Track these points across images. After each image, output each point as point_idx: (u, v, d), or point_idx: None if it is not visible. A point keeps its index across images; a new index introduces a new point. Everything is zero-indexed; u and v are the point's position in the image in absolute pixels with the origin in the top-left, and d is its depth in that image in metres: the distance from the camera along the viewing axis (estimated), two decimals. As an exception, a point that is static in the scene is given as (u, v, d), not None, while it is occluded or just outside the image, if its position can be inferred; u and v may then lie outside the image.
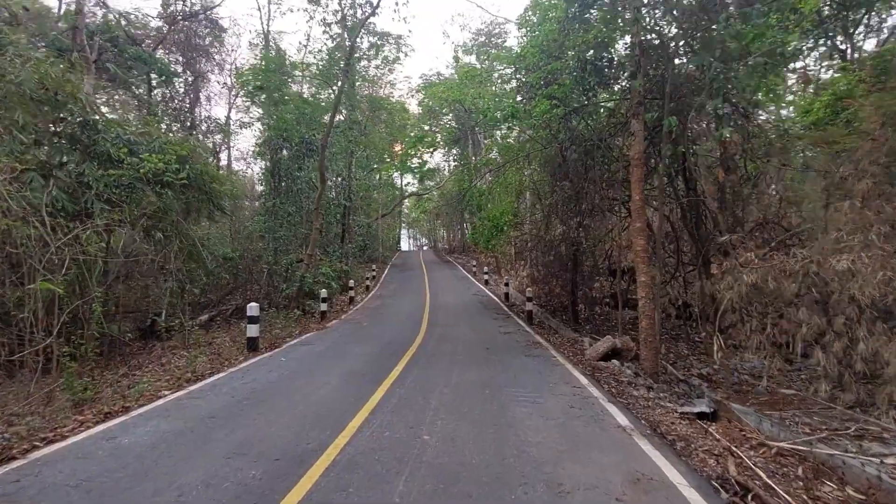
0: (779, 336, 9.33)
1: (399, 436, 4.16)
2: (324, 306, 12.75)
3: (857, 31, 13.83)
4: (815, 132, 10.73)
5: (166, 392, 5.78)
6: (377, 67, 25.93)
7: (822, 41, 13.88)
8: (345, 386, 5.80)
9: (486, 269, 22.39)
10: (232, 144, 29.68)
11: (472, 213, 27.01)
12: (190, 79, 20.05)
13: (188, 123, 19.82)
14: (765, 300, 10.20)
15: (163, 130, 20.17)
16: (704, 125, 10.48)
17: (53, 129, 8.55)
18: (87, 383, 5.91)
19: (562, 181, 12.73)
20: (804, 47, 13.26)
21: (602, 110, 12.51)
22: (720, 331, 12.12)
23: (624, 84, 9.89)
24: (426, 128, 36.12)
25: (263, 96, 14.33)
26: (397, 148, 40.04)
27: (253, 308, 8.23)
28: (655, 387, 7.56)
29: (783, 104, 15.67)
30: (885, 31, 14.23)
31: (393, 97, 29.10)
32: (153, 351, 10.01)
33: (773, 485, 3.61)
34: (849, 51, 13.71)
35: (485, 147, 20.82)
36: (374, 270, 25.47)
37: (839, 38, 13.89)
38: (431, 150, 10.06)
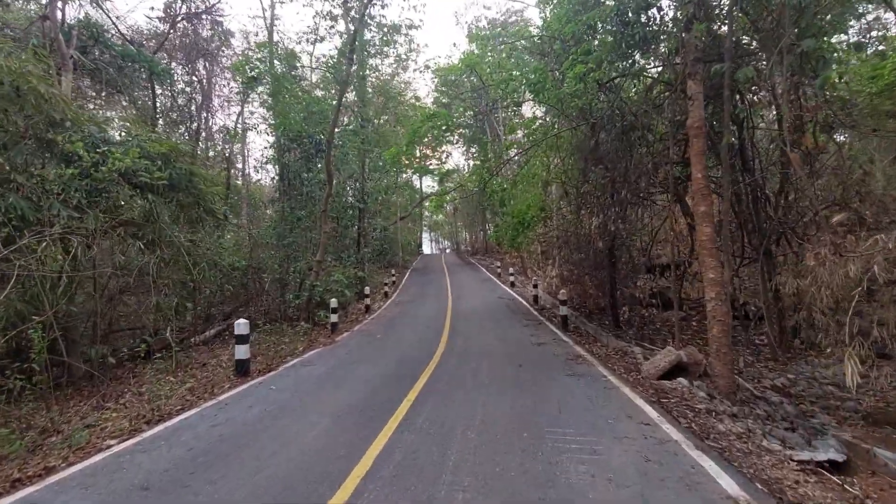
0: (888, 338, 7.56)
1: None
2: (334, 317, 11.51)
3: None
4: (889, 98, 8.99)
5: (112, 441, 4.55)
6: (390, 65, 24.87)
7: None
8: (338, 429, 4.45)
9: (511, 269, 20.86)
10: (247, 153, 29.09)
11: (495, 212, 25.46)
12: (196, 84, 19.27)
13: (196, 130, 19.02)
14: (855, 294, 8.44)
15: (173, 140, 19.48)
16: (767, 91, 8.76)
17: (16, 128, 7.54)
18: (13, 430, 4.73)
19: (595, 166, 11.17)
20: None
21: (641, 82, 10.94)
22: (782, 330, 10.33)
23: (670, 46, 8.31)
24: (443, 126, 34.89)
25: (261, 89, 13.24)
26: (418, 153, 38.89)
27: (241, 326, 7.00)
28: (736, 410, 5.98)
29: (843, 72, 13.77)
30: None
31: (407, 96, 27.96)
32: (141, 376, 8.94)
33: None
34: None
35: (504, 139, 19.34)
36: (393, 276, 24.26)
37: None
38: (445, 129, 8.74)
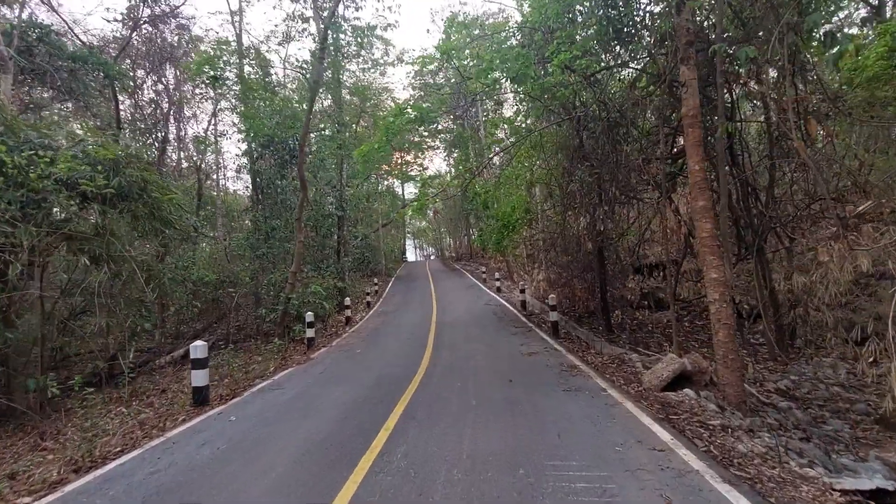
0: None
1: None
2: (310, 332, 10.75)
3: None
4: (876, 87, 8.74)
5: (26, 499, 3.78)
6: (366, 70, 24.20)
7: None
8: (298, 473, 3.75)
9: (496, 274, 20.33)
10: (223, 162, 28.06)
11: (478, 217, 24.95)
12: (163, 91, 18.35)
13: (163, 139, 18.08)
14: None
15: (132, 147, 18.49)
16: (755, 79, 8.37)
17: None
18: None
19: (581, 164, 10.69)
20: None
21: (626, 78, 10.56)
22: (779, 329, 9.95)
23: (658, 33, 7.88)
24: (423, 133, 34.37)
25: (231, 93, 12.47)
26: (396, 156, 38.18)
27: (198, 349, 6.23)
28: (749, 422, 5.45)
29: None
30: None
31: (383, 98, 27.34)
32: (92, 407, 8.05)
33: None
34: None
35: (485, 138, 18.80)
36: (376, 285, 23.52)
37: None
38: (420, 124, 8.07)
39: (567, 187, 11.59)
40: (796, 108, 7.95)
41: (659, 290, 15.15)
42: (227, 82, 11.93)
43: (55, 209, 7.47)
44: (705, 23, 8.32)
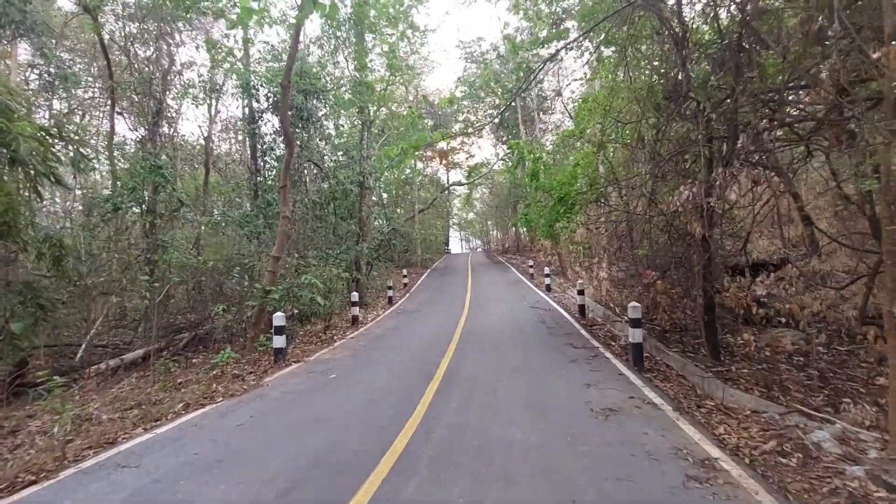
0: None
1: None
2: (279, 341, 7.64)
3: None
4: None
5: None
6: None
7: None
8: None
9: (546, 269, 16.54)
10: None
11: (528, 203, 21.17)
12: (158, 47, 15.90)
13: (158, 101, 15.62)
14: None
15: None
16: None
17: None
18: None
19: (685, 100, 6.80)
20: None
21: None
22: None
23: None
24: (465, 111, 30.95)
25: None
26: (440, 144, 35.05)
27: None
28: None
29: None
30: None
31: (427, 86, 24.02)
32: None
33: None
34: None
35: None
36: (405, 277, 20.44)
37: None
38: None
39: (660, 140, 7.71)
40: None
41: (769, 297, 10.88)
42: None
43: None
44: None
